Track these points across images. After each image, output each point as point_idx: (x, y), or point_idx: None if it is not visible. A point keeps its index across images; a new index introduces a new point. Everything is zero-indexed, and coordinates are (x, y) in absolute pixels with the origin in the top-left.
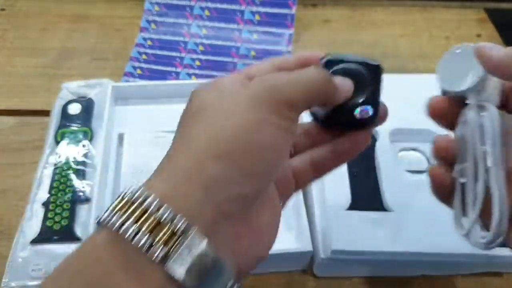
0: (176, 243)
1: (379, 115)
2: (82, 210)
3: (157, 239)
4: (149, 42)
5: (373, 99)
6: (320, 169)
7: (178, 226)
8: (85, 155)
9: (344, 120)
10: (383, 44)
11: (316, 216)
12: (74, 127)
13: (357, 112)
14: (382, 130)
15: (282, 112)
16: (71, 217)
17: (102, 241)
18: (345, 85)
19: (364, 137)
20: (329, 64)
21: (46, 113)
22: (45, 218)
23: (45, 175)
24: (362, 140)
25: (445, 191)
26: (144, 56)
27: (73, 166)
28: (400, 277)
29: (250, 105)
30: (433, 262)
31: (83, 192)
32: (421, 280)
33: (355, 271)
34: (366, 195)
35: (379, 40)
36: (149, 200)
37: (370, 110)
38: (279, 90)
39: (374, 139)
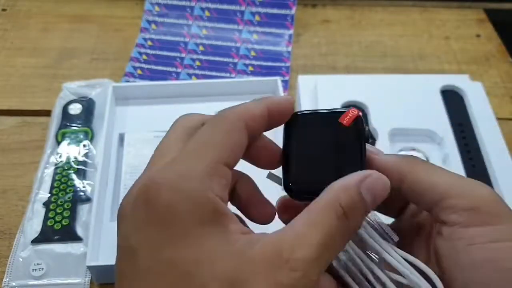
0: None
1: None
2: (83, 210)
3: None
4: (149, 43)
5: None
6: None
7: None
8: (86, 155)
9: None
10: (383, 44)
11: None
12: (75, 127)
13: None
14: (381, 130)
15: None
16: (72, 217)
17: None
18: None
19: None
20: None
21: (46, 113)
22: (46, 217)
23: (46, 175)
24: None
25: None
26: (144, 57)
27: (74, 166)
28: None
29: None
30: None
31: (84, 191)
32: None
33: None
34: None
35: (379, 40)
36: None
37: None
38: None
39: (373, 139)
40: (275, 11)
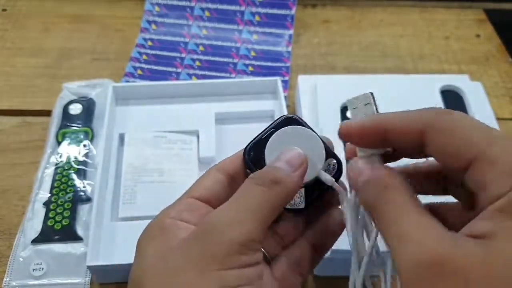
0: None
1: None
2: (83, 210)
3: None
4: (149, 43)
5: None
6: (303, 269)
7: None
8: (86, 155)
9: (314, 191)
10: (383, 44)
11: None
12: (75, 127)
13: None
14: None
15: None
16: (72, 217)
17: None
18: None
19: (338, 220)
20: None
21: (47, 113)
22: (46, 217)
23: (46, 175)
24: (336, 222)
25: None
26: (144, 57)
27: (74, 166)
28: None
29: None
30: None
31: (84, 191)
32: None
33: None
34: None
35: (379, 40)
36: None
37: (334, 162)
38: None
39: None
40: (275, 11)
